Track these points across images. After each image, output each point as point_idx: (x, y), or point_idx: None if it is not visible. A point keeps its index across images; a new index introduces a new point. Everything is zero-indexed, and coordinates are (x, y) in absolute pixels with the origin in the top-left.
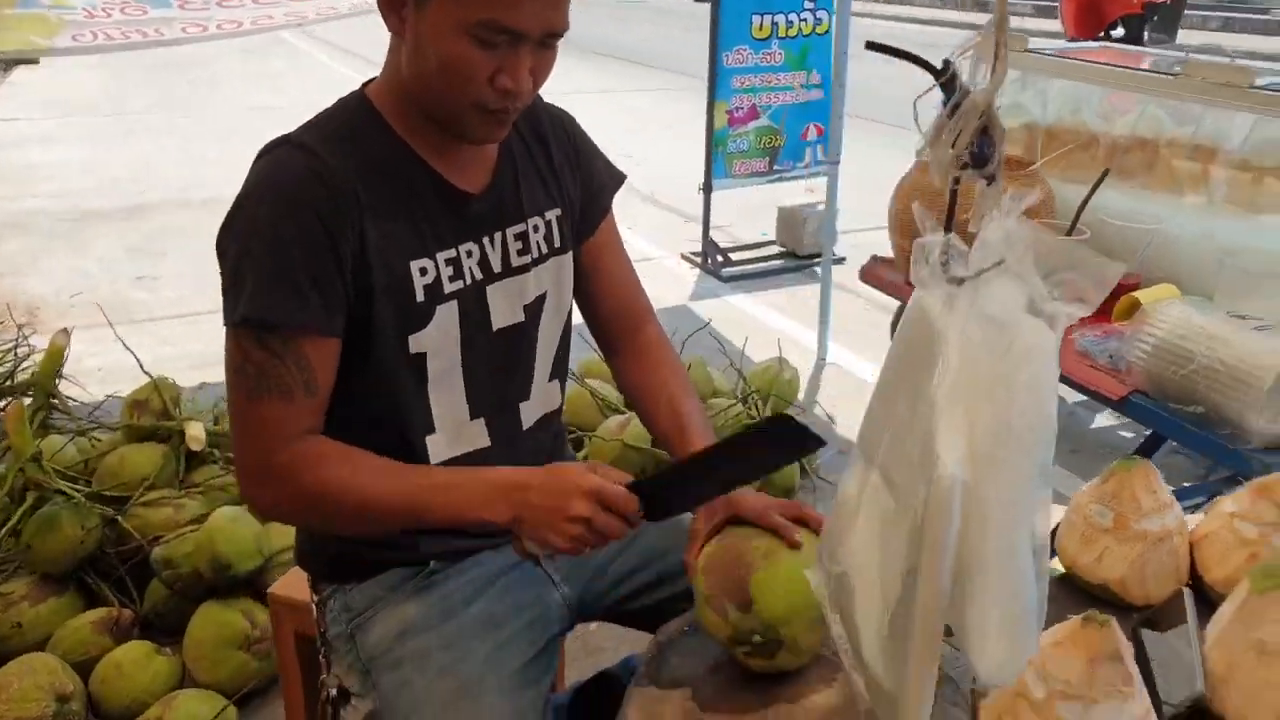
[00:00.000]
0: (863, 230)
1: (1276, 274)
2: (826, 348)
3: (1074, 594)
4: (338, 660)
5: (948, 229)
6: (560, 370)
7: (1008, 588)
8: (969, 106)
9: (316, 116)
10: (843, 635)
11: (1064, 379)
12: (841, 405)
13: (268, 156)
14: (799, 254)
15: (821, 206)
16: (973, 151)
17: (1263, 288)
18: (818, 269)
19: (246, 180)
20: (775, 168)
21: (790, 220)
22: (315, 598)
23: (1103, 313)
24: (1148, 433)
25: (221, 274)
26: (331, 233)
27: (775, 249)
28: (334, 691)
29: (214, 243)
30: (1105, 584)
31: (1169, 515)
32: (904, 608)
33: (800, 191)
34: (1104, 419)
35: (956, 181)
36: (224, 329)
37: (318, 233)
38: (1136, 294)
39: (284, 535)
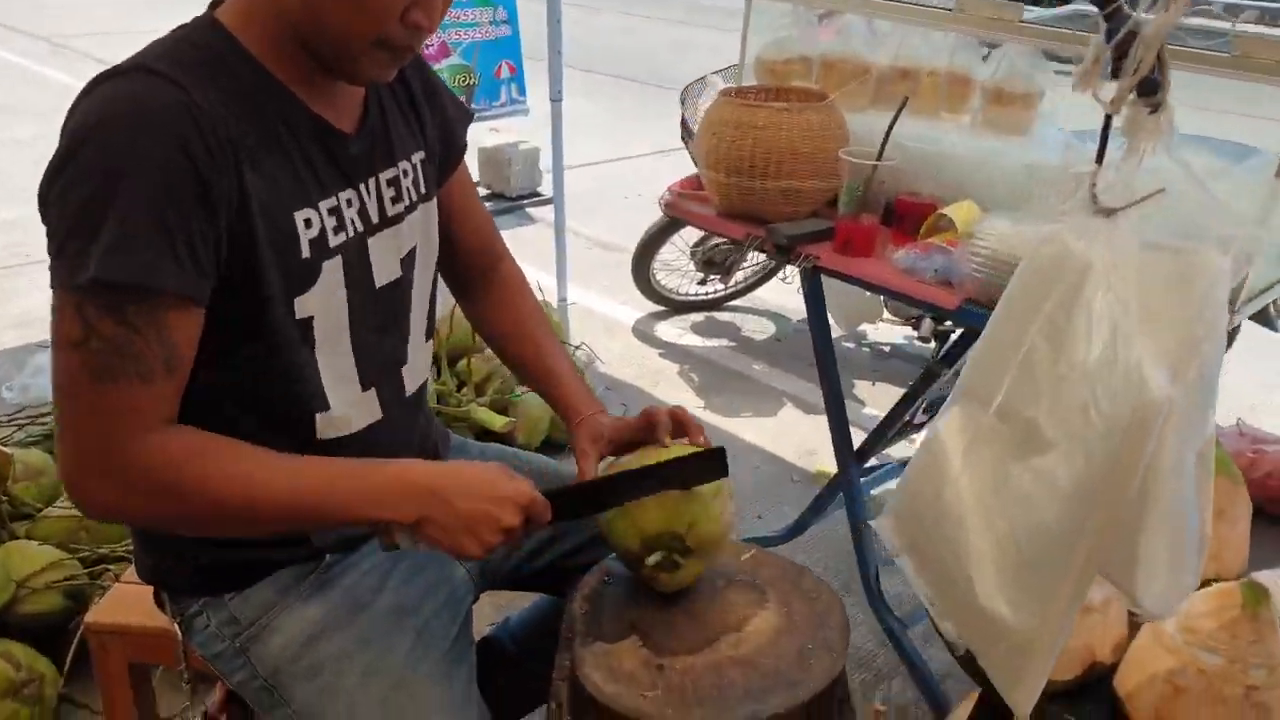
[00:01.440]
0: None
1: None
2: (566, 288)
3: None
4: (224, 680)
5: (1100, 160)
6: (430, 329)
7: (1177, 515)
8: (1148, 36)
9: (158, 43)
10: (920, 580)
11: (898, 296)
12: (597, 344)
13: (107, 85)
14: (507, 195)
15: (524, 146)
16: (1145, 80)
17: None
18: (529, 210)
19: (78, 115)
20: (474, 107)
21: (495, 161)
22: (176, 617)
23: (908, 234)
24: (886, 349)
25: (51, 230)
26: (205, 179)
27: (482, 190)
28: None
29: None
30: None
31: None
32: (1045, 546)
33: (487, 132)
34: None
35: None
36: (55, 294)
37: (188, 177)
38: (944, 211)
39: (32, 558)
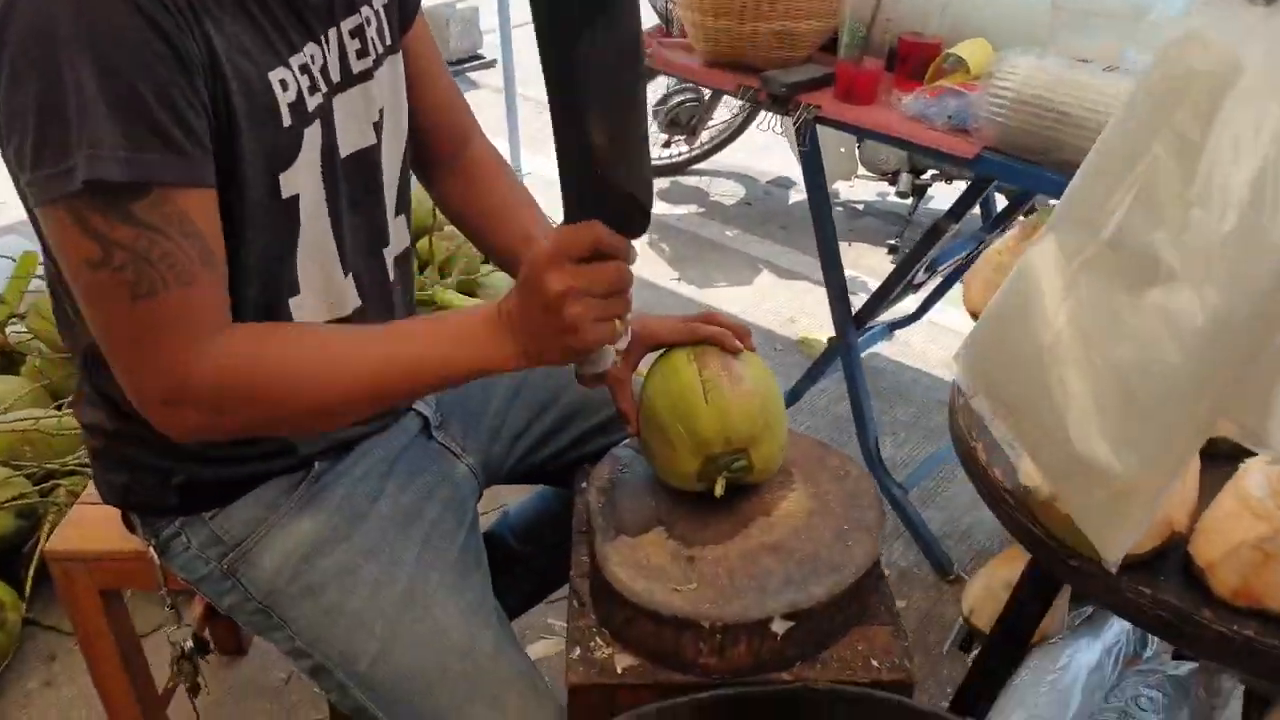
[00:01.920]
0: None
1: (1102, 13)
2: (520, 158)
3: None
4: (214, 604)
5: None
6: (405, 203)
7: None
8: None
9: None
10: (999, 424)
11: (909, 145)
12: (558, 218)
13: None
14: (446, 59)
15: (462, 5)
16: None
17: (1091, 30)
18: (471, 75)
19: (2, 9)
20: None
21: (431, 22)
22: (150, 539)
23: (913, 78)
24: (859, 208)
25: (16, 146)
26: (171, 40)
27: None
28: (188, 645)
29: None
30: None
31: None
32: (1162, 386)
33: None
34: (798, 194)
35: None
36: (45, 216)
37: (153, 42)
38: (952, 51)
39: None
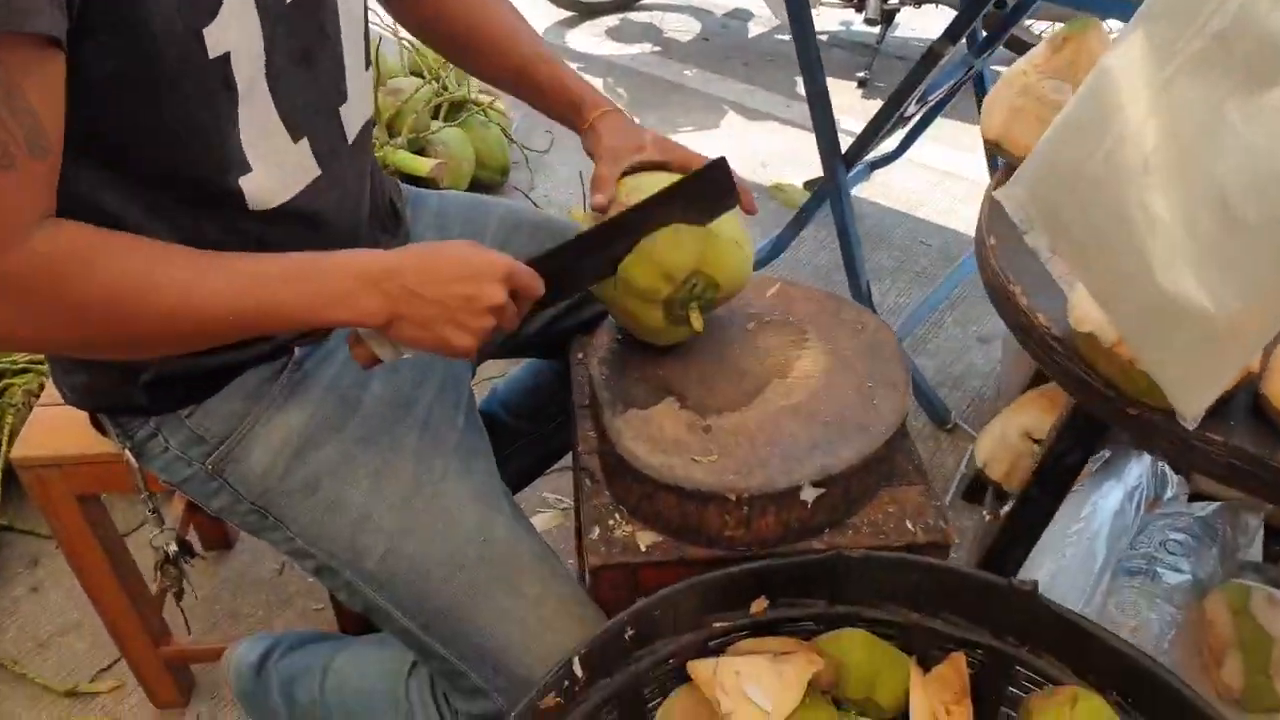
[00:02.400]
0: None
1: None
2: None
3: None
4: (204, 506)
5: None
6: (369, 53)
7: None
8: None
9: None
10: (1063, 259)
11: None
12: None
13: None
14: None
15: None
16: None
17: None
18: None
19: None
20: None
21: None
22: (125, 442)
23: None
24: (824, 39)
25: None
26: None
27: None
28: (172, 548)
29: None
30: None
31: None
32: (1272, 199)
33: None
34: (758, 27)
35: None
36: None
37: None
38: None
39: None
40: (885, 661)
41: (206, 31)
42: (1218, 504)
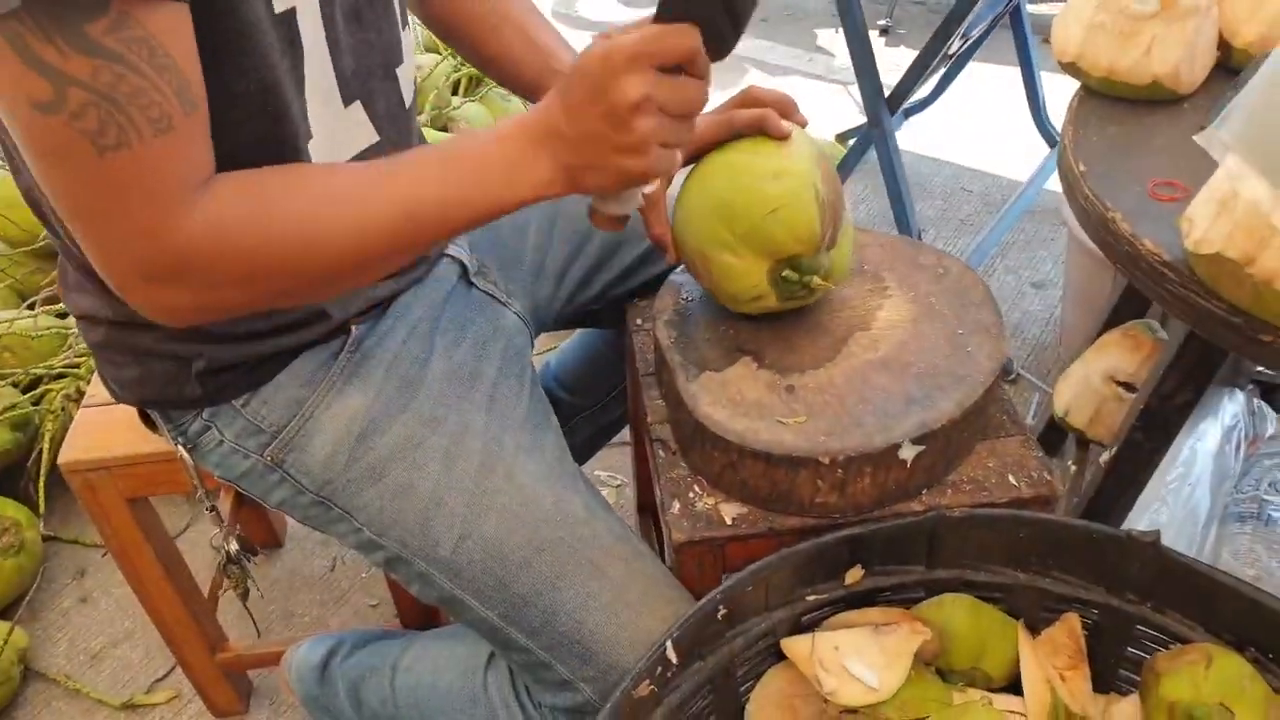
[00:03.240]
0: None
1: None
2: None
3: (1102, 103)
4: (263, 500)
5: None
6: (404, 10)
7: None
8: None
9: None
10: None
11: None
12: None
13: None
14: None
15: None
16: None
17: None
18: None
19: None
20: None
21: None
22: (177, 438)
23: None
24: None
25: None
26: None
27: None
28: (234, 547)
29: None
30: (1156, 80)
31: None
32: None
33: None
34: None
35: None
36: None
37: None
38: None
39: None
40: (992, 627)
41: None
42: None
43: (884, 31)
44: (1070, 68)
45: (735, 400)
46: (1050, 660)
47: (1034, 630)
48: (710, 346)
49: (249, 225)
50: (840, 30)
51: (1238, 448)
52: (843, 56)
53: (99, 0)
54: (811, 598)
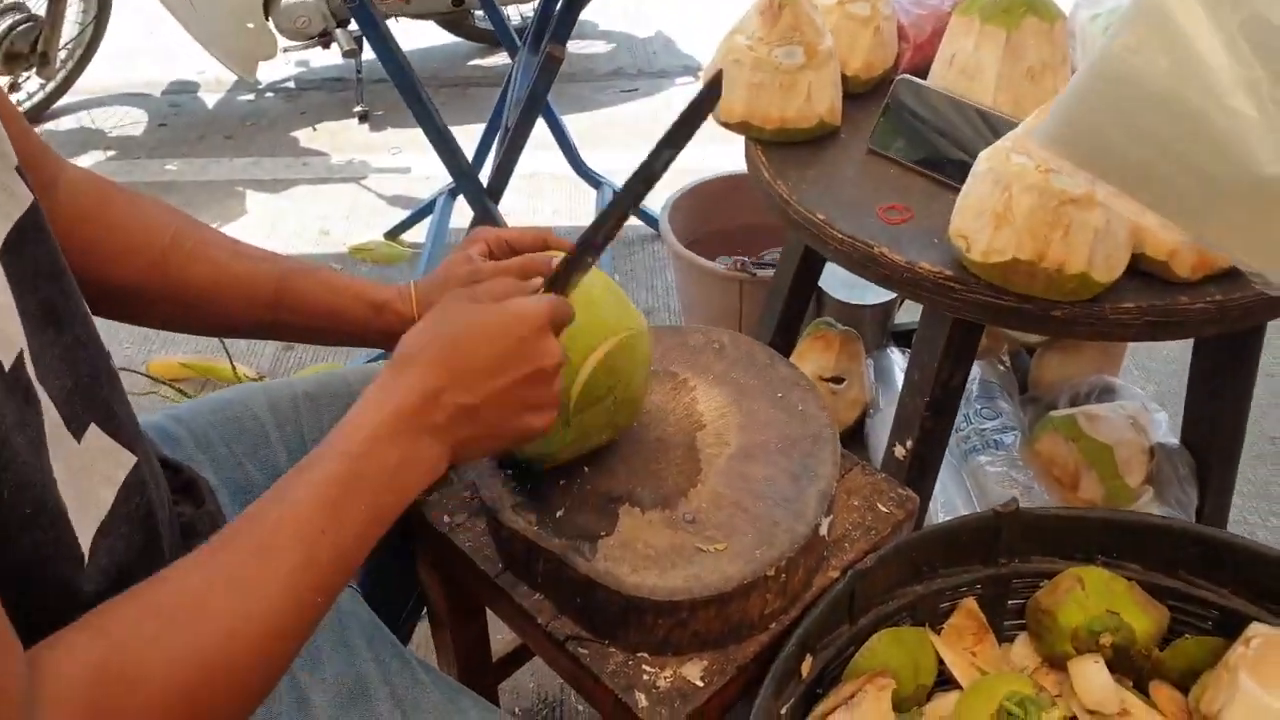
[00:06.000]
0: None
1: None
2: None
3: (776, 151)
4: None
5: None
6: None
7: None
8: None
9: None
10: (1128, 193)
11: None
12: None
13: None
14: None
15: None
16: None
17: None
18: None
19: None
20: None
21: None
22: None
23: None
24: (289, 85)
25: None
26: None
27: None
28: None
29: None
30: (822, 120)
31: None
32: None
33: None
34: (213, 93)
35: None
36: None
37: None
38: None
39: None
40: (914, 643)
41: None
42: (976, 373)
43: (363, 117)
44: (739, 127)
45: (650, 557)
46: (960, 644)
47: (935, 628)
48: (579, 513)
49: (121, 686)
50: (318, 128)
51: None
52: (339, 153)
53: None
54: None
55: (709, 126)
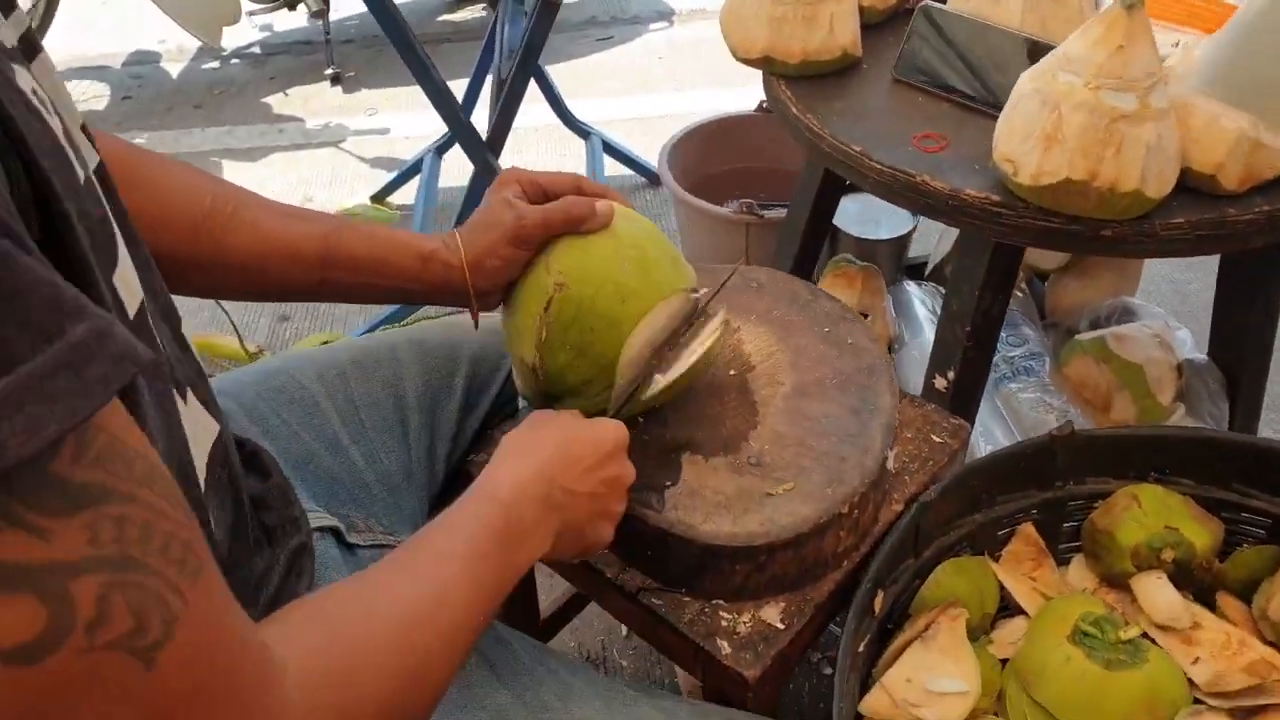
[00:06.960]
0: None
1: None
2: None
3: (799, 85)
4: None
5: None
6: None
7: None
8: None
9: None
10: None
11: None
12: None
13: None
14: None
15: None
16: None
17: None
18: None
19: None
20: None
21: None
22: None
23: None
24: (256, 51)
25: None
26: None
27: None
28: None
29: None
30: (845, 51)
31: None
32: None
33: None
34: (176, 63)
35: None
36: None
37: None
38: None
39: None
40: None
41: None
42: None
43: (336, 79)
44: (760, 62)
45: (720, 503)
46: (1019, 570)
47: (994, 556)
48: (642, 465)
49: (328, 655)
50: (289, 94)
51: None
52: (314, 117)
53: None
54: None
55: (689, 69)
